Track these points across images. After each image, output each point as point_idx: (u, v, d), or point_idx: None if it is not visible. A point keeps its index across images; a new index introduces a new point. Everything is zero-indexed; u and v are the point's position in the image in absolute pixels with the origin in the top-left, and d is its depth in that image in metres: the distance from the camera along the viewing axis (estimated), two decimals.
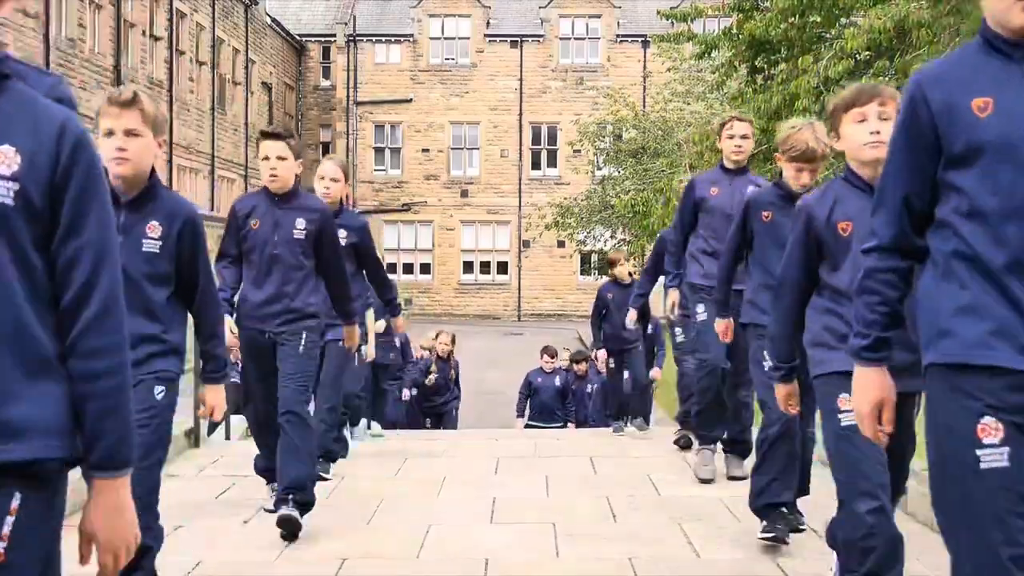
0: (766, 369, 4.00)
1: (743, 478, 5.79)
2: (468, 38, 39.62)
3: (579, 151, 34.37)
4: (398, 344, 10.84)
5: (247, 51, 35.54)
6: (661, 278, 7.42)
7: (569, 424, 12.10)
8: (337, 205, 6.19)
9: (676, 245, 6.66)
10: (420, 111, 39.40)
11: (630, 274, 9.08)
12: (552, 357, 12.38)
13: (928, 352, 2.34)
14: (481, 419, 14.74)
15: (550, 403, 12.10)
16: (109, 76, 25.32)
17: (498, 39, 39.42)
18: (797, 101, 13.63)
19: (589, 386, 12.30)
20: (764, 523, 4.80)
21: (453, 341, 12.35)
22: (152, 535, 3.49)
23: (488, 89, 39.29)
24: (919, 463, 5.67)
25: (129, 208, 3.61)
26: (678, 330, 7.58)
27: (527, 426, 12.04)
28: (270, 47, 38.40)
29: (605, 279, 9.32)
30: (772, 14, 14.96)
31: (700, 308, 6.27)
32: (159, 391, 3.60)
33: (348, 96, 39.62)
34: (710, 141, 15.00)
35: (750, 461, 5.56)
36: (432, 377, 11.84)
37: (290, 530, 5.01)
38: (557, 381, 12.24)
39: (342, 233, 5.73)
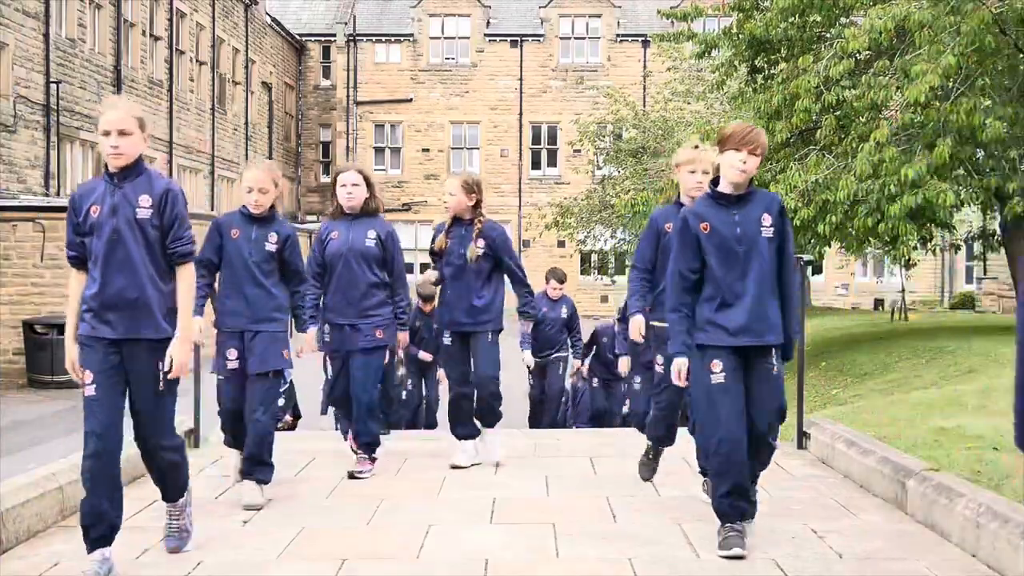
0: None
1: None
2: (468, 38, 39.65)
3: (579, 151, 34.39)
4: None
5: (247, 51, 35.54)
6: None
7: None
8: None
9: None
10: (420, 111, 39.43)
11: None
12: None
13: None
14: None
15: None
16: (109, 76, 25.33)
17: (498, 39, 39.45)
18: (797, 101, 13.63)
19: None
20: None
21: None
22: None
23: (488, 89, 39.31)
24: (919, 463, 5.68)
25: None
26: None
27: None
28: (270, 47, 38.41)
29: None
30: (772, 14, 14.97)
31: None
32: None
33: (348, 96, 39.64)
34: (710, 141, 15.00)
35: None
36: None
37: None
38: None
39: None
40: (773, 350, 4.84)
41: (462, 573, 4.59)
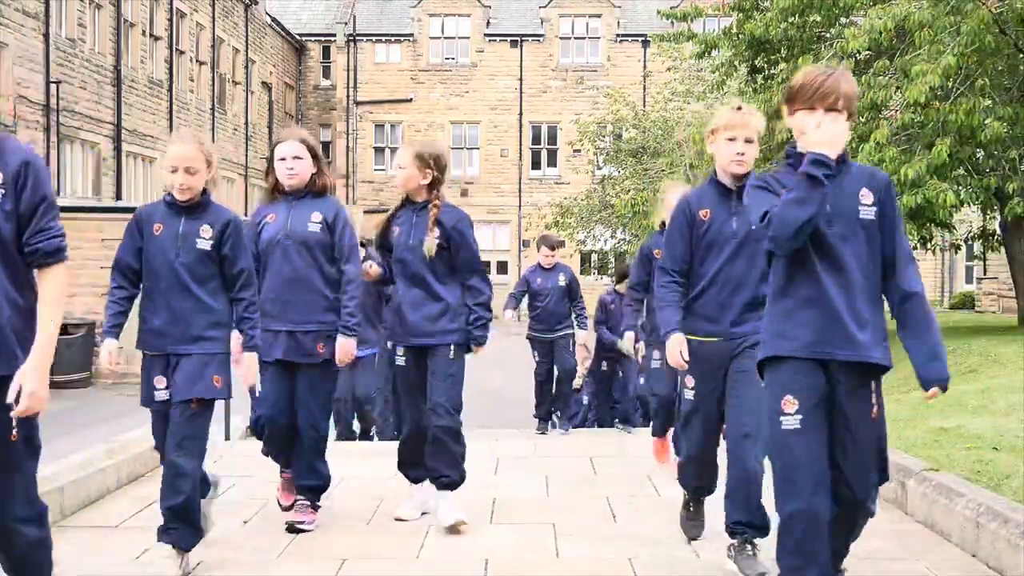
0: None
1: None
2: (468, 38, 39.66)
3: (579, 151, 34.38)
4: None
5: (247, 51, 35.54)
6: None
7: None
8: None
9: None
10: (420, 111, 39.43)
11: None
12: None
13: None
14: (485, 419, 14.68)
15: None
16: (109, 76, 25.33)
17: (498, 39, 39.45)
18: None
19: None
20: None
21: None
22: None
23: (488, 89, 39.31)
24: (919, 463, 5.68)
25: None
26: None
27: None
28: (270, 47, 38.40)
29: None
30: (772, 14, 14.98)
31: None
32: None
33: (348, 96, 39.64)
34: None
35: None
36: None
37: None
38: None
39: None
40: (873, 380, 3.63)
41: (462, 573, 4.59)
